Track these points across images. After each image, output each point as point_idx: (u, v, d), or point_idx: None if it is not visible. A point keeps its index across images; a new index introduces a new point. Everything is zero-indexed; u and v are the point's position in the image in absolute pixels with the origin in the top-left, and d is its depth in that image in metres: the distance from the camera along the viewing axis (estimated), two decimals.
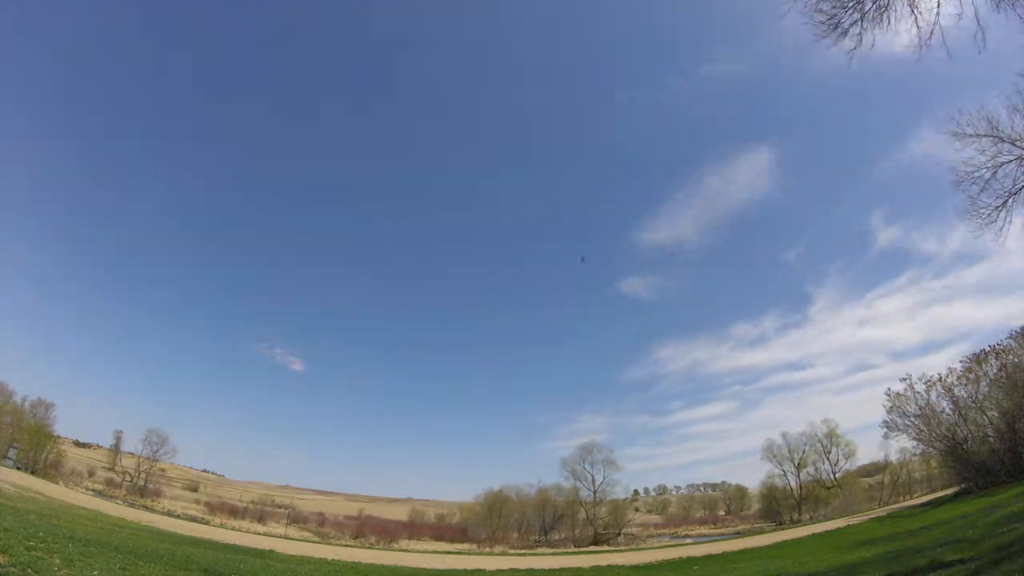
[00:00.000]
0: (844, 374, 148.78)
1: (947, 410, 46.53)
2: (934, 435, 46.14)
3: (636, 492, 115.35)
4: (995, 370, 43.56)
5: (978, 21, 8.72)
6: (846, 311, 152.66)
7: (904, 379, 49.93)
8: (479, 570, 27.41)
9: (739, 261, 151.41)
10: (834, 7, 9.36)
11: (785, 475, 74.82)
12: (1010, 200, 13.83)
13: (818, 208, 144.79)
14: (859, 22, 9.25)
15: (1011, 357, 42.29)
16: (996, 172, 13.87)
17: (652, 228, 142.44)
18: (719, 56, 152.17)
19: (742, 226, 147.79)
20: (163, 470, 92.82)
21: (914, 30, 9.03)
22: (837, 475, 72.84)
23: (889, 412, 50.12)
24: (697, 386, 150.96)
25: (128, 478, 79.07)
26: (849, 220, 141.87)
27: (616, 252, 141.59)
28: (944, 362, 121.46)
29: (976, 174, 14.10)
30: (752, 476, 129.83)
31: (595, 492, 76.19)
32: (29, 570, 9.47)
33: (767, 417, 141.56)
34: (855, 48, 9.46)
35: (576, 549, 57.92)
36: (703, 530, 79.00)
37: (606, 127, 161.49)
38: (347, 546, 48.68)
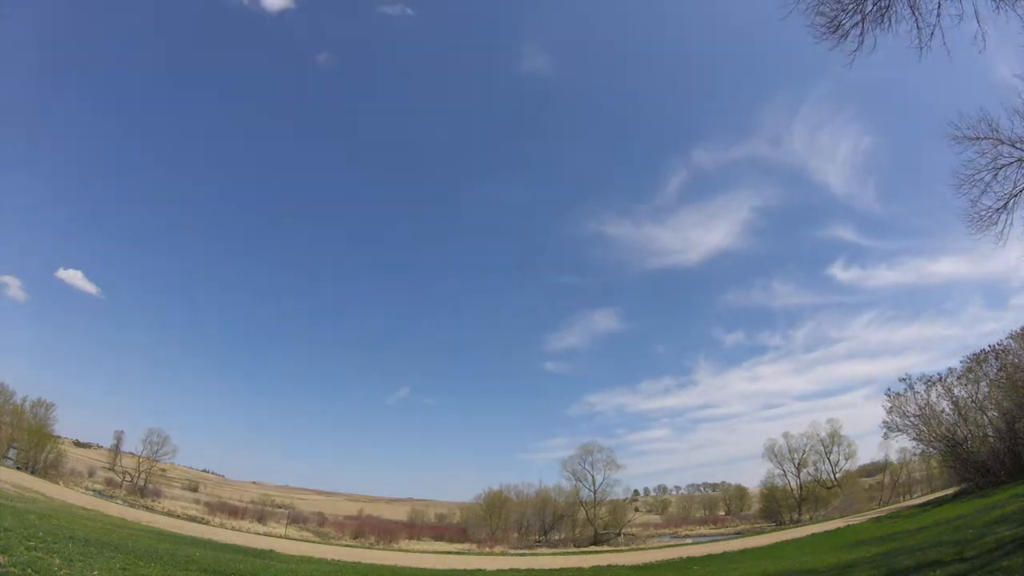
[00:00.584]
0: (757, 409, 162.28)
1: (947, 410, 46.58)
2: (934, 435, 46.15)
3: (636, 492, 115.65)
4: (995, 370, 43.59)
5: (978, 22, 8.74)
6: (730, 375, 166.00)
7: (903, 379, 50.02)
8: (479, 570, 27.42)
9: (624, 354, 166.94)
10: (835, 9, 9.38)
11: (785, 475, 75.01)
12: (1011, 202, 13.86)
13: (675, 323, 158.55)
14: (860, 23, 9.26)
15: (1011, 357, 42.29)
16: (996, 174, 13.89)
17: (558, 340, 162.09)
18: None
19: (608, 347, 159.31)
20: (163, 470, 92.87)
21: (914, 31, 9.06)
22: (837, 475, 72.96)
23: (889, 412, 50.18)
24: (630, 419, 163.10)
25: (128, 478, 79.07)
26: (700, 331, 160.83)
27: (534, 351, 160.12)
28: (850, 402, 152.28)
29: (976, 177, 14.14)
30: (752, 476, 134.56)
31: (595, 492, 76.29)
32: (29, 570, 9.47)
33: (703, 439, 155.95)
34: (856, 50, 9.48)
35: (576, 549, 57.92)
36: (703, 530, 79.03)
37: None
38: (347, 546, 48.66)
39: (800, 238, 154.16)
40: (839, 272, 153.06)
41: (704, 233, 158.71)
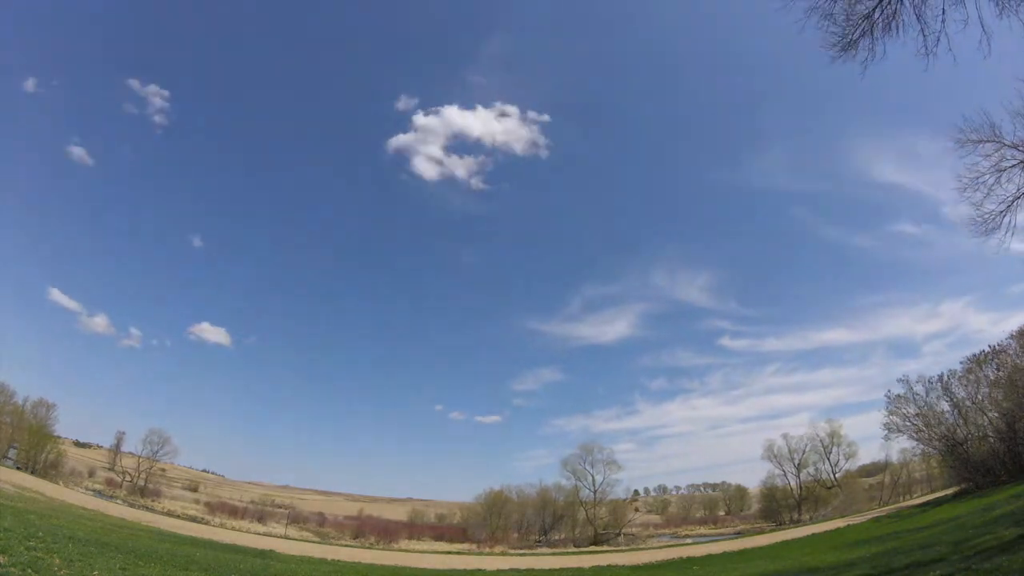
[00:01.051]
0: (708, 428, 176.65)
1: (947, 410, 46.68)
2: (934, 435, 46.23)
3: (636, 492, 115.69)
4: (995, 371, 43.65)
5: (983, 28, 8.78)
6: (668, 406, 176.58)
7: (903, 380, 50.07)
8: (479, 570, 27.46)
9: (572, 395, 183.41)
10: (844, 22, 9.52)
11: (785, 475, 74.92)
12: (1014, 204, 13.88)
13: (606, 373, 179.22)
14: (869, 33, 9.34)
15: (1011, 358, 42.35)
16: (999, 177, 13.93)
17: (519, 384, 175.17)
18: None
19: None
20: (163, 470, 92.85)
21: (920, 39, 9.12)
22: (837, 475, 72.94)
23: (889, 413, 50.23)
24: (595, 436, 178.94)
25: (128, 478, 79.07)
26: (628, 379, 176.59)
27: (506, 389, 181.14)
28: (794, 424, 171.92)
29: (980, 180, 14.17)
30: (752, 476, 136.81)
31: (595, 492, 76.28)
32: (29, 570, 9.46)
33: (668, 451, 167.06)
34: (867, 60, 9.59)
35: (576, 549, 57.96)
36: (703, 530, 79.04)
37: None
38: (347, 546, 48.69)
39: (686, 327, 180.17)
40: (729, 342, 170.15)
41: (610, 328, 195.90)
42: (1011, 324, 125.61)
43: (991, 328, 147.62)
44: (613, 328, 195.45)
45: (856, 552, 19.59)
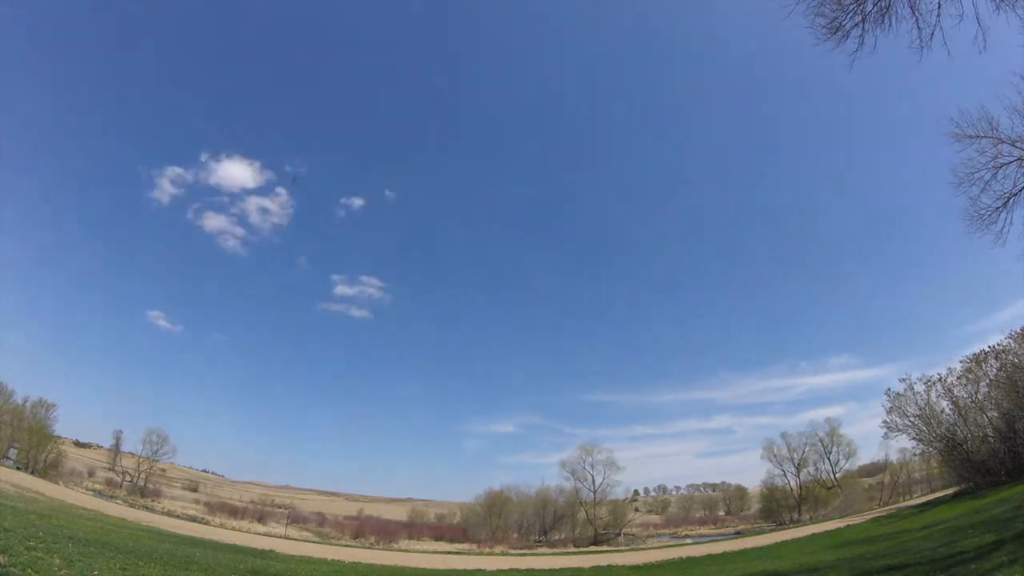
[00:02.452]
0: (691, 458, 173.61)
1: (947, 410, 46.56)
2: (934, 435, 46.14)
3: (636, 492, 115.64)
4: (995, 370, 43.56)
5: (979, 22, 8.73)
6: (634, 451, 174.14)
7: (903, 379, 49.97)
8: (479, 570, 27.44)
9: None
10: (835, 10, 9.36)
11: (785, 475, 74.89)
12: (1010, 201, 13.83)
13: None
14: (860, 24, 9.24)
15: (1011, 358, 42.27)
16: (996, 173, 13.87)
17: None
18: None
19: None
20: (163, 470, 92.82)
21: (915, 31, 9.04)
22: (837, 475, 72.86)
23: (889, 412, 50.14)
24: None
25: (128, 478, 79.05)
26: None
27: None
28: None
29: (976, 175, 14.11)
30: (752, 476, 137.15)
31: (595, 492, 76.25)
32: (29, 570, 9.46)
33: (639, 461, 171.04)
34: (856, 51, 9.46)
35: (576, 549, 57.92)
36: (703, 530, 79.04)
37: None
38: (347, 546, 48.68)
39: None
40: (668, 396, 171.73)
41: None
42: None
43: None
44: None
45: (857, 551, 19.64)
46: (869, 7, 9.06)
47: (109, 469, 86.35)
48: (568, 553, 48.92)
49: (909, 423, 48.62)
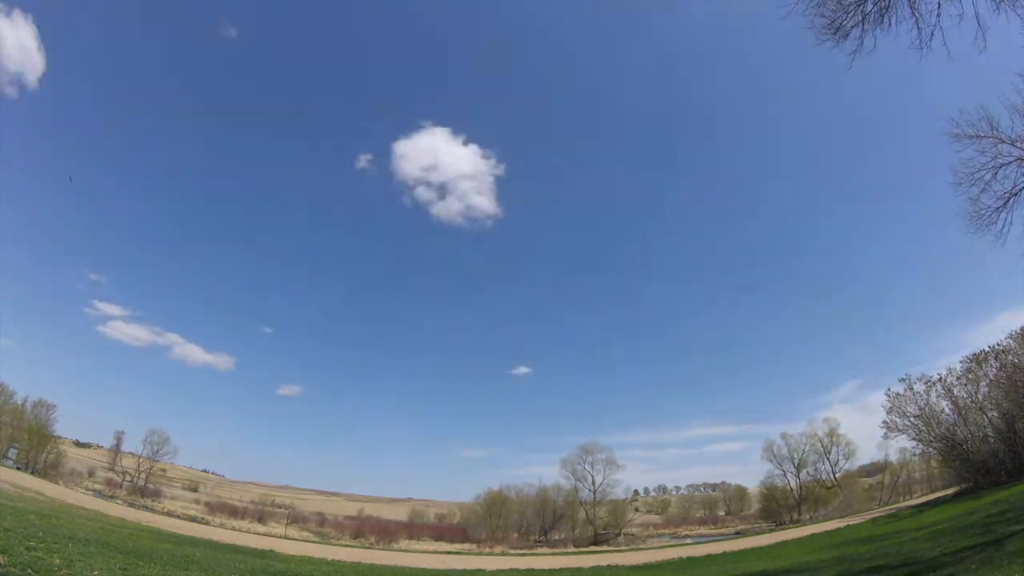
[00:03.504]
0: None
1: (947, 410, 46.54)
2: (934, 435, 46.12)
3: (636, 492, 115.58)
4: (995, 370, 43.54)
5: (979, 22, 8.73)
6: (619, 475, 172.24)
7: (903, 379, 49.96)
8: (479, 570, 27.45)
9: None
10: (835, 10, 9.35)
11: (785, 475, 74.74)
12: (1010, 201, 13.82)
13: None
14: (860, 24, 9.23)
15: (1011, 357, 42.26)
16: (996, 173, 13.85)
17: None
18: None
19: None
20: (163, 470, 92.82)
21: (915, 31, 9.04)
22: (837, 475, 72.83)
23: (889, 412, 50.13)
24: None
25: (128, 478, 79.05)
26: None
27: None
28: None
29: (976, 175, 14.09)
30: (752, 476, 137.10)
31: (595, 492, 76.24)
32: (29, 570, 9.44)
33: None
34: (856, 51, 9.46)
35: (576, 549, 57.92)
36: (703, 530, 79.01)
37: None
38: (347, 546, 48.67)
39: None
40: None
41: None
42: None
43: None
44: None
45: (855, 549, 19.66)
46: (869, 7, 9.04)
47: (109, 469, 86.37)
48: (568, 553, 48.93)
49: (909, 423, 48.63)
